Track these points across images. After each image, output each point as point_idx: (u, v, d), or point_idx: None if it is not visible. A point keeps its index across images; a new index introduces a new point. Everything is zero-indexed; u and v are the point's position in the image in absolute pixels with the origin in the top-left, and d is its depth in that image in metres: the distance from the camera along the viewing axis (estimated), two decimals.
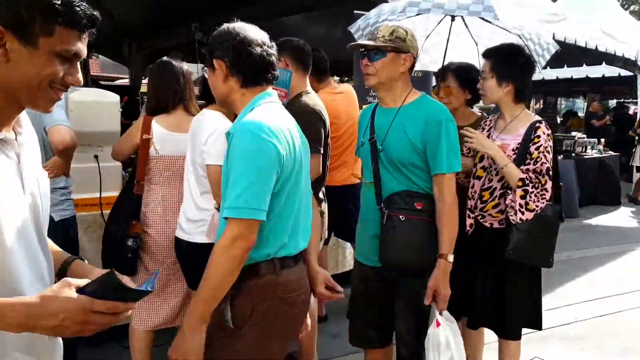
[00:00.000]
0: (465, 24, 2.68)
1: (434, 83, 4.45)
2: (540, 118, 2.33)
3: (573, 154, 7.65)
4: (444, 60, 2.64)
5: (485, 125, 2.48)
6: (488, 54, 2.36)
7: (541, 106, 13.42)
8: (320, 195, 2.81)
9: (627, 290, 4.34)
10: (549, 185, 2.23)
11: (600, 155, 8.14)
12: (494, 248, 2.32)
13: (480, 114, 2.76)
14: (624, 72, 8.85)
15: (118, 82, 11.49)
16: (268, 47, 1.55)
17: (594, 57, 7.72)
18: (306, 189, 1.63)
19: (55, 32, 0.97)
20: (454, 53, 2.97)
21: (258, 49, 1.52)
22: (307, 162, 1.65)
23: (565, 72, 10.47)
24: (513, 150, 2.28)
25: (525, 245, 2.21)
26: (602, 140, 8.56)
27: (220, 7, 6.24)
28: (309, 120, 2.48)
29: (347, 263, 4.08)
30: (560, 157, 7.34)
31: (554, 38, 6.01)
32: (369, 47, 1.94)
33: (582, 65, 8.69)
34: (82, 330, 0.92)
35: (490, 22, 2.54)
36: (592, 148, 8.20)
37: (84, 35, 1.01)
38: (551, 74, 10.57)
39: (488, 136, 2.38)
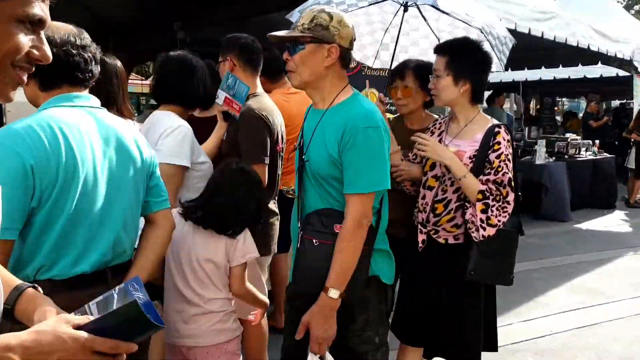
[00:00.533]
0: (423, 16, 2.47)
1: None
2: (498, 122, 2.12)
3: (566, 156, 7.46)
4: (393, 56, 2.41)
5: (435, 129, 2.23)
6: (442, 49, 2.12)
7: (538, 107, 13.19)
8: (272, 206, 2.64)
9: (609, 300, 4.17)
10: (511, 197, 2.02)
11: (595, 157, 7.93)
12: (449, 265, 2.09)
13: (437, 116, 2.55)
14: (622, 73, 8.67)
15: None
16: (72, 46, 1.42)
17: (590, 57, 7.53)
18: (105, 204, 1.43)
19: None
20: (415, 50, 2.73)
21: (52, 49, 1.39)
22: (124, 175, 1.48)
23: (563, 72, 10.26)
24: (470, 158, 2.05)
25: (487, 265, 2.01)
26: (597, 142, 8.34)
27: (205, 5, 6.11)
28: (251, 127, 2.36)
29: None
30: (552, 159, 7.16)
31: (542, 37, 5.91)
32: (283, 39, 1.69)
33: (577, 65, 8.48)
34: None
35: (448, 14, 2.35)
36: (587, 150, 8.00)
37: None
38: (548, 74, 10.37)
39: (439, 141, 2.15)
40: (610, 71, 9.34)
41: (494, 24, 2.44)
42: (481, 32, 2.39)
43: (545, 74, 10.26)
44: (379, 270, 1.75)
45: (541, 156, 6.80)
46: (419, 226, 2.17)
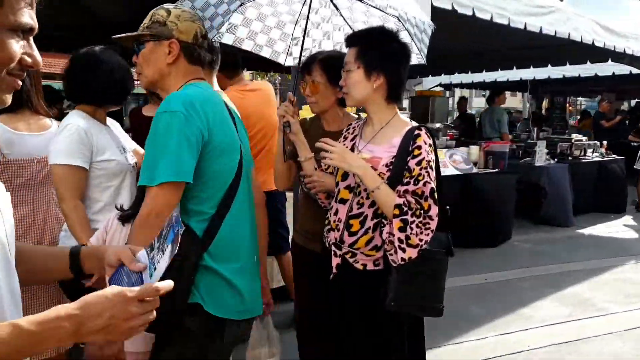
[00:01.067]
0: (334, 5, 2.22)
1: None
2: (417, 124, 1.85)
3: (569, 158, 7.11)
4: (301, 52, 2.19)
5: (349, 133, 1.97)
6: (352, 40, 1.86)
7: (547, 106, 12.75)
8: None
9: (599, 312, 3.88)
10: (433, 211, 1.72)
11: (602, 159, 7.56)
12: (368, 296, 1.80)
13: (357, 116, 2.26)
14: (636, 70, 8.25)
15: None
16: None
17: (600, 54, 7.18)
18: None
19: (5, 2, 0.79)
20: (329, 44, 2.44)
21: None
22: None
23: (573, 71, 9.84)
24: (386, 166, 1.79)
25: (408, 292, 1.72)
26: (604, 142, 7.96)
27: None
28: None
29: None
30: (554, 161, 6.84)
31: (541, 32, 5.61)
32: (124, 39, 1.59)
33: (586, 63, 8.10)
34: (130, 329, 0.87)
35: (360, 0, 2.11)
36: (594, 151, 7.63)
37: (34, 2, 0.85)
38: (557, 72, 9.99)
39: (352, 147, 1.88)
40: (623, 69, 8.92)
41: (412, 9, 2.20)
42: (398, 19, 2.16)
43: (554, 72, 9.88)
44: (205, 297, 1.46)
45: (541, 158, 6.49)
46: (333, 248, 1.86)
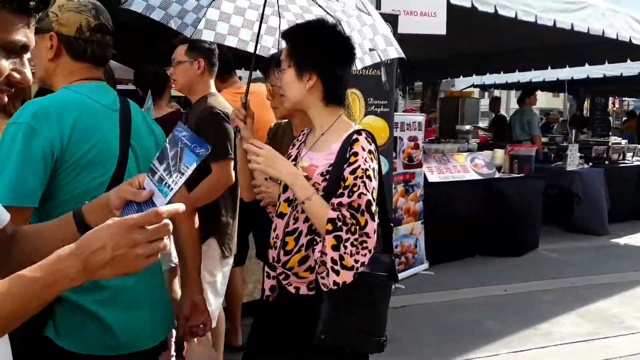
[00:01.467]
0: None
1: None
2: (360, 128, 1.64)
3: (606, 162, 6.71)
4: (255, 48, 1.96)
5: (297, 141, 1.79)
6: (285, 36, 1.66)
7: (589, 107, 12.14)
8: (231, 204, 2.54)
9: (629, 331, 3.59)
10: (370, 227, 1.49)
11: None
12: (303, 323, 1.59)
13: None
14: None
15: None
16: None
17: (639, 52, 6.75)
18: None
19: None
20: None
21: None
22: None
23: (614, 70, 9.31)
24: (322, 175, 1.57)
25: (342, 323, 1.51)
26: None
27: None
28: (216, 124, 2.33)
29: None
30: (588, 165, 6.46)
31: (572, 29, 5.30)
32: None
33: (626, 61, 7.64)
34: (137, 258, 0.80)
35: None
36: (634, 155, 7.18)
37: (32, 20, 0.84)
38: (597, 71, 9.48)
39: (296, 157, 1.70)
40: None
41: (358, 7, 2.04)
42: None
43: (593, 71, 9.38)
44: (61, 331, 1.28)
45: (573, 162, 6.14)
46: (266, 269, 1.68)
